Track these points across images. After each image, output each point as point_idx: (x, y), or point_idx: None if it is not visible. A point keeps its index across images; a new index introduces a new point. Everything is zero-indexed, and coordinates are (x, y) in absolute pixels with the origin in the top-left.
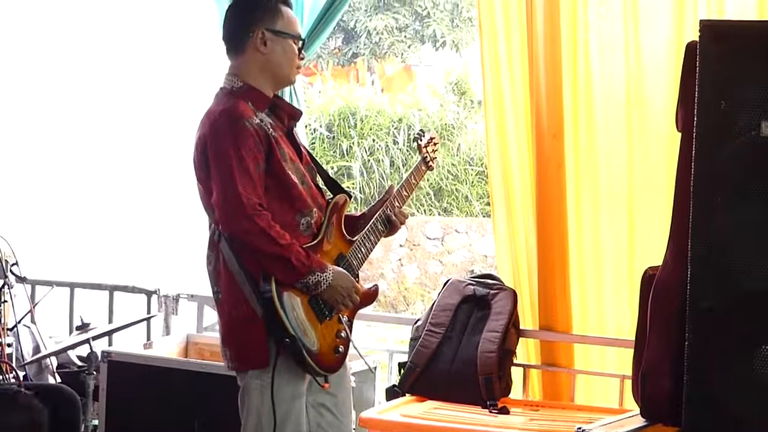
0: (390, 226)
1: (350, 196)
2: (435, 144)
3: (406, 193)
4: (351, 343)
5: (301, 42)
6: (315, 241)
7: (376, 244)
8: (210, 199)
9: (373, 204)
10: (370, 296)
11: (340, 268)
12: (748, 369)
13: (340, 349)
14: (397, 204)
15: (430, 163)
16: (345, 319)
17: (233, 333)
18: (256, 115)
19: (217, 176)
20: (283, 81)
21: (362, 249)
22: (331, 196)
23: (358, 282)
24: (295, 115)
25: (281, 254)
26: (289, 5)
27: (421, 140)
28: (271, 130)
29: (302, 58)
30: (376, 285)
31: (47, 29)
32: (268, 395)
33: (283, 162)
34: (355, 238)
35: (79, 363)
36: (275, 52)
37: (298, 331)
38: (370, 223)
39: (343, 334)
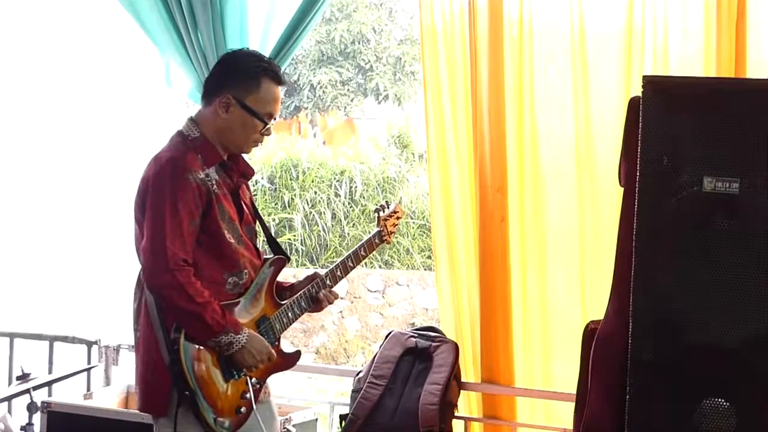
0: (316, 304)
1: (288, 259)
2: (398, 218)
3: (352, 264)
4: (253, 406)
5: (268, 120)
6: (234, 300)
7: (299, 316)
8: (141, 242)
9: (301, 280)
10: (290, 361)
11: (255, 333)
12: (689, 423)
13: (242, 410)
14: (339, 273)
15: (386, 237)
16: (254, 381)
17: (143, 375)
18: (202, 169)
19: (150, 224)
20: (234, 149)
21: (288, 314)
22: (270, 256)
23: (278, 345)
24: (246, 173)
25: (196, 311)
26: (277, 81)
27: (382, 211)
28: (215, 186)
29: (266, 135)
30: (298, 351)
31: None
32: None
33: (220, 220)
34: (284, 302)
35: None
36: (234, 121)
37: (198, 386)
38: (298, 293)
39: (248, 396)
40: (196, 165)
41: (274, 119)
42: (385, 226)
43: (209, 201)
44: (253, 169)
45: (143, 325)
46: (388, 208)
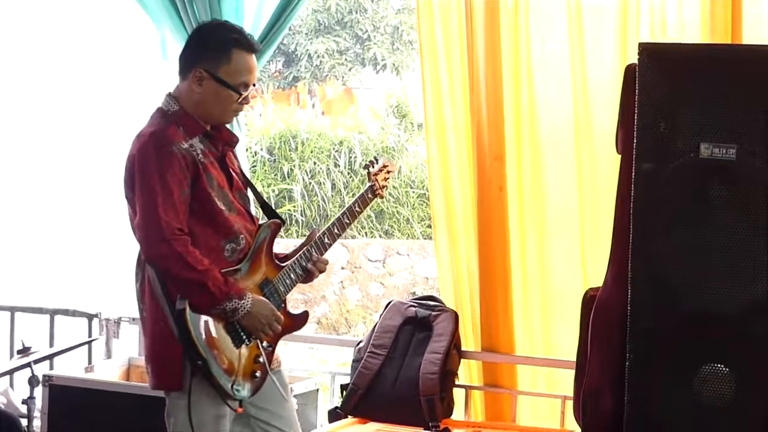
0: (307, 274)
1: (284, 222)
2: (389, 172)
3: (348, 221)
4: (267, 369)
5: (243, 90)
6: (235, 267)
7: (302, 276)
8: (135, 219)
9: (302, 242)
10: (299, 322)
11: (259, 297)
12: (688, 390)
13: (257, 375)
14: (336, 231)
15: (378, 191)
16: (265, 344)
17: (153, 351)
18: (185, 140)
19: (141, 199)
20: (214, 121)
21: (291, 275)
22: (265, 220)
23: (285, 307)
24: (231, 141)
25: (198, 279)
26: (248, 49)
27: (372, 167)
28: (200, 156)
29: (245, 103)
30: (306, 311)
31: None
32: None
33: (209, 189)
34: (285, 264)
35: None
36: (208, 94)
37: (210, 354)
38: (298, 254)
39: (261, 360)
40: (179, 136)
41: (254, 86)
42: (377, 180)
43: (196, 170)
44: (237, 137)
45: (148, 302)
46: (377, 163)
